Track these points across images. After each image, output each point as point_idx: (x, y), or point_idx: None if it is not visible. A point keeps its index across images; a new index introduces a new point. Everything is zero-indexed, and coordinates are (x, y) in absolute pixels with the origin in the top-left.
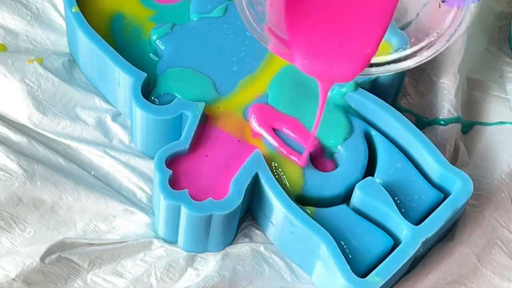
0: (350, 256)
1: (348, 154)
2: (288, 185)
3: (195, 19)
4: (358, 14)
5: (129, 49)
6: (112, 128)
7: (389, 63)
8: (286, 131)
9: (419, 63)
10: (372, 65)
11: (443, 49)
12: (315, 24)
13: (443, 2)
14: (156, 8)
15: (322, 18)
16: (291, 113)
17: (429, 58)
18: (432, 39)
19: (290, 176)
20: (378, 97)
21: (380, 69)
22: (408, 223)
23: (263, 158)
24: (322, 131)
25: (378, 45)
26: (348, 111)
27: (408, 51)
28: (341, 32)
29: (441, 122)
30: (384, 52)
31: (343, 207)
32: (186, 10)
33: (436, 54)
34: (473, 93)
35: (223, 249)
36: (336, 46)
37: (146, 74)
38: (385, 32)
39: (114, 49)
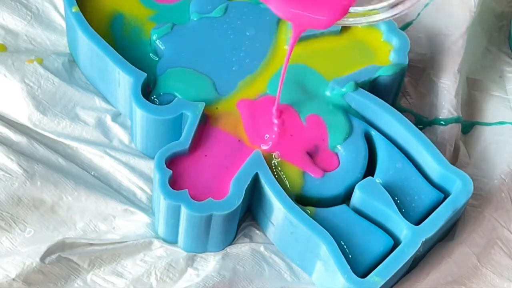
0: (350, 256)
1: (348, 154)
2: (288, 185)
3: (195, 19)
4: None
5: (129, 49)
6: (112, 128)
7: (364, 14)
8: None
9: (394, 16)
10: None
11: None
12: None
13: None
14: (156, 7)
15: None
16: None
17: (404, 12)
18: None
19: (290, 176)
20: (378, 97)
21: (356, 20)
22: (408, 223)
23: (263, 158)
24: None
25: None
26: (348, 111)
27: (385, 3)
28: None
29: (441, 122)
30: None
31: (343, 207)
32: (186, 10)
33: (411, 7)
34: (473, 93)
35: (223, 249)
36: None
37: (146, 74)
38: None
39: (114, 49)
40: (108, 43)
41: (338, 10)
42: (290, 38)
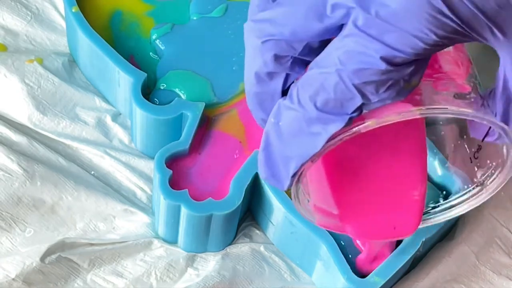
0: (350, 256)
1: None
2: None
3: (195, 19)
4: (397, 173)
5: (128, 48)
6: (112, 128)
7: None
8: None
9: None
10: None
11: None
12: (362, 193)
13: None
14: (154, 3)
15: (366, 186)
16: None
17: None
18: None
19: None
20: None
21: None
22: None
23: None
24: None
25: (424, 193)
26: None
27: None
28: (388, 192)
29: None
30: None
31: None
32: (184, 7)
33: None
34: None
35: (223, 249)
36: (388, 209)
37: (146, 74)
38: (426, 178)
39: (114, 46)
40: (108, 41)
41: (416, 212)
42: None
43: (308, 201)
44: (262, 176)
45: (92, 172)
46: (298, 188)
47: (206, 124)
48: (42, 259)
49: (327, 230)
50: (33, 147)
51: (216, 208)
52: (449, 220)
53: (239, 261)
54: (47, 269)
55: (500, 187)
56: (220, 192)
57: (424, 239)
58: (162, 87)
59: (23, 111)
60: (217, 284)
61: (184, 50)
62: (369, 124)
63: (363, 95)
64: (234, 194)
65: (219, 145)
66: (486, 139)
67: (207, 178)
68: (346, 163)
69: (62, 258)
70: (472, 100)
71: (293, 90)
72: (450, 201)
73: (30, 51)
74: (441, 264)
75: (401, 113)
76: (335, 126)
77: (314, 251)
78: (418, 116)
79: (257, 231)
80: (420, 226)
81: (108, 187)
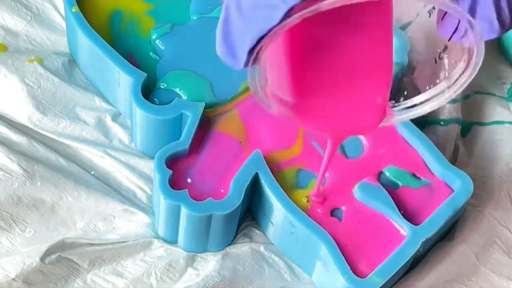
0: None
1: (349, 153)
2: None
3: (195, 19)
4: (362, 66)
5: (128, 47)
6: (112, 128)
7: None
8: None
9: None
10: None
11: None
12: (322, 85)
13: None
14: (154, 2)
15: (328, 77)
16: None
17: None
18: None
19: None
20: None
21: (402, 116)
22: (408, 223)
23: (263, 158)
24: None
25: (387, 93)
26: None
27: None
28: (349, 86)
29: (441, 122)
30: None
31: None
32: (184, 6)
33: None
34: (472, 94)
35: (223, 249)
36: (349, 104)
37: (146, 74)
38: (391, 78)
39: (114, 45)
40: (108, 41)
41: (377, 111)
42: (327, 149)
43: (266, 82)
44: (219, 53)
45: (92, 172)
46: (254, 70)
47: (206, 124)
48: (42, 259)
49: (327, 230)
50: (33, 147)
51: (216, 208)
52: (449, 220)
53: (239, 261)
54: (47, 269)
55: (462, 88)
56: (220, 192)
57: (424, 239)
58: (162, 87)
59: (23, 111)
60: (217, 284)
61: (184, 50)
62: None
63: None
64: (234, 194)
65: (219, 145)
66: (452, 38)
67: (207, 178)
68: (309, 47)
69: (62, 258)
70: None
71: None
72: (412, 100)
73: (30, 51)
74: (441, 264)
75: None
76: None
77: (314, 251)
78: None
79: (257, 231)
80: (380, 125)
81: (108, 187)
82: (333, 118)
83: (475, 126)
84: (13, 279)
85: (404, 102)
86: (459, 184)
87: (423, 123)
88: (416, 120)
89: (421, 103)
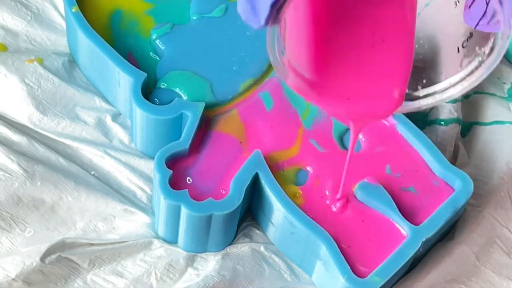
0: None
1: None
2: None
3: (195, 19)
4: (384, 39)
5: (128, 46)
6: (112, 128)
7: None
8: None
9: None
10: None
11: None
12: (342, 61)
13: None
14: (154, 2)
15: (349, 53)
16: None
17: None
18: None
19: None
20: None
21: (429, 100)
22: (408, 223)
23: (263, 158)
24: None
25: (406, 82)
26: None
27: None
28: (370, 65)
29: (441, 122)
30: None
31: None
32: (184, 6)
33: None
34: (472, 94)
35: (223, 249)
36: (367, 87)
37: (146, 74)
38: (410, 71)
39: (114, 45)
40: (108, 41)
41: (394, 98)
42: (351, 135)
43: (283, 53)
44: (240, 10)
45: (92, 172)
46: (274, 31)
47: (206, 124)
48: (42, 259)
49: (326, 231)
50: (33, 147)
51: (216, 208)
52: (449, 220)
53: (239, 261)
54: (47, 269)
55: (486, 74)
56: (220, 192)
57: (424, 239)
58: (162, 87)
59: (23, 111)
60: (217, 284)
61: (184, 50)
62: None
63: None
64: (234, 194)
65: (219, 145)
66: (479, 26)
67: (207, 178)
68: (331, 18)
69: (62, 258)
70: None
71: None
72: (432, 87)
73: (30, 51)
74: (441, 264)
75: None
76: None
77: (314, 251)
78: None
79: (257, 231)
80: (396, 112)
81: (108, 187)
82: (350, 98)
83: (475, 126)
84: (13, 279)
85: (424, 89)
86: (459, 184)
87: (423, 123)
88: (416, 120)
89: (442, 91)
